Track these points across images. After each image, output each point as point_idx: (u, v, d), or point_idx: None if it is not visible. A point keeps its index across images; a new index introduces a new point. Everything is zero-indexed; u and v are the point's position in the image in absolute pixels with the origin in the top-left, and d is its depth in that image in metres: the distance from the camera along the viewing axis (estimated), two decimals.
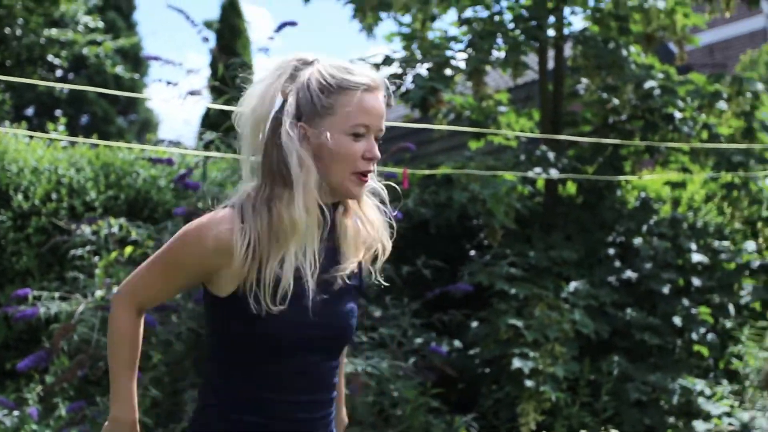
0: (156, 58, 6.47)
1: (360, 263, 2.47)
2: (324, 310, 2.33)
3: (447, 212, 7.89)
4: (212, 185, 6.71)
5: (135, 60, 26.14)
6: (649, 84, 7.87)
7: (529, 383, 6.94)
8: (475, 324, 7.76)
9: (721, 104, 8.11)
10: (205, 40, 6.96)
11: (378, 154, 2.34)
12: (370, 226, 2.45)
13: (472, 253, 8.50)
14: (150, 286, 2.37)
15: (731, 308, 8.56)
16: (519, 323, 7.14)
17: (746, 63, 15.53)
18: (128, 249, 6.47)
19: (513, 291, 7.32)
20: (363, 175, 2.33)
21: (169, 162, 6.62)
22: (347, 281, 2.39)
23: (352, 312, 2.41)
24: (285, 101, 2.32)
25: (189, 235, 2.32)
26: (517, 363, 6.96)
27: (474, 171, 7.12)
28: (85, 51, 16.92)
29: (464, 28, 7.99)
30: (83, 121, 26.61)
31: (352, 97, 2.30)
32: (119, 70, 19.20)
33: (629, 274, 8.17)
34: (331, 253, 2.39)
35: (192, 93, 6.43)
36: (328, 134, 2.29)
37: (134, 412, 2.39)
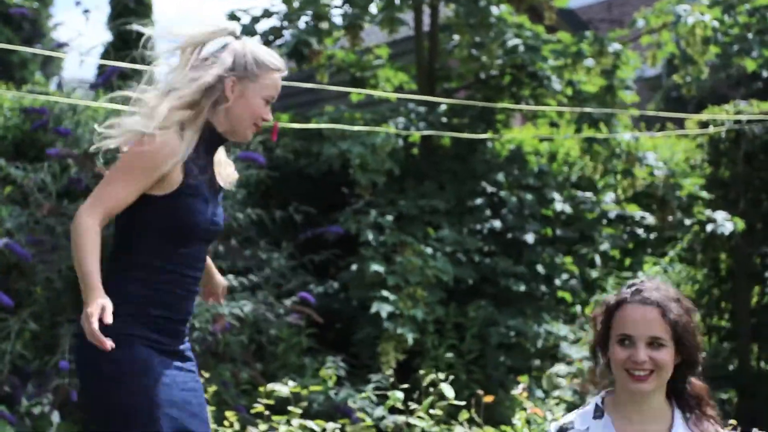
0: None
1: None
2: (213, 210, 3.22)
3: (316, 163, 8.26)
4: (89, 129, 6.93)
5: None
6: (512, 42, 8.27)
7: (387, 325, 7.38)
8: (354, 267, 8.14)
9: (589, 61, 8.56)
10: None
11: (270, 117, 3.23)
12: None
13: (352, 200, 8.85)
14: (113, 196, 3.06)
15: (597, 259, 9.10)
16: (381, 269, 7.56)
17: (640, 16, 16.05)
18: (7, 188, 6.68)
19: (379, 239, 7.75)
20: (257, 127, 3.22)
21: (41, 112, 6.80)
22: (220, 194, 3.29)
23: (222, 215, 3.30)
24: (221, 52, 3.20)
25: (147, 152, 3.07)
26: (375, 306, 7.40)
27: (343, 127, 7.50)
28: None
29: None
30: None
31: (272, 74, 3.19)
32: None
33: (497, 223, 8.62)
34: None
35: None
36: (245, 91, 3.17)
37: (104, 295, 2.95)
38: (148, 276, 3.12)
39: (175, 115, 3.11)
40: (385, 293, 7.49)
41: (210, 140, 3.21)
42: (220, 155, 3.33)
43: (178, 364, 3.17)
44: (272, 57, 3.21)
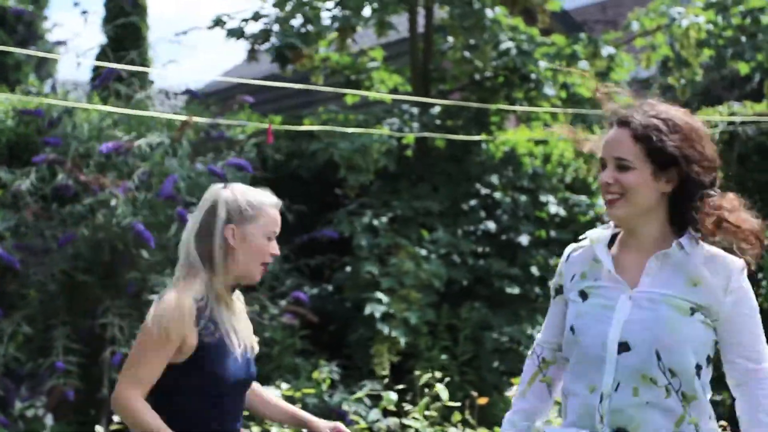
0: None
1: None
2: (238, 359, 3.20)
3: (308, 164, 8.27)
4: (81, 134, 6.94)
5: None
6: (506, 45, 8.29)
7: (381, 327, 7.39)
8: (348, 269, 8.15)
9: (583, 64, 8.57)
10: None
11: (278, 252, 3.28)
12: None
13: (346, 201, 8.86)
14: (149, 373, 3.11)
15: None
16: (375, 270, 7.57)
17: (633, 17, 16.05)
18: None
19: (372, 242, 7.76)
20: (266, 266, 3.24)
21: (36, 114, 6.82)
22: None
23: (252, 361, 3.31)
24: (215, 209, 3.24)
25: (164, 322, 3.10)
26: (369, 308, 7.41)
27: (335, 128, 7.51)
28: None
29: None
30: None
31: (267, 211, 3.22)
32: (12, 1, 18.85)
33: (491, 225, 8.63)
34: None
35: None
36: (247, 233, 3.18)
37: None
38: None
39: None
40: (378, 295, 7.50)
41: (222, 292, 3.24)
42: (239, 306, 3.32)
43: None
44: (263, 195, 3.26)
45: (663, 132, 2.63)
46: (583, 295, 2.75)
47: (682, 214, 2.68)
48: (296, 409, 3.52)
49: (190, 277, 3.16)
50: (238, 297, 3.31)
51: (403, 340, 7.44)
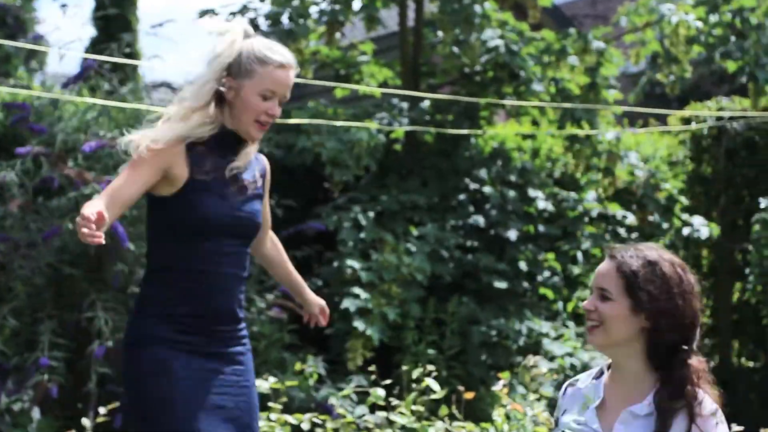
0: None
1: (262, 179, 3.37)
2: (233, 205, 3.21)
3: (295, 158, 8.26)
4: (68, 127, 6.92)
5: None
6: (494, 42, 8.30)
7: (357, 322, 7.42)
8: (335, 264, 8.15)
9: (572, 59, 8.58)
10: None
11: (277, 113, 3.22)
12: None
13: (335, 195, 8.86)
14: (115, 185, 3.16)
15: (579, 255, 9.12)
16: (357, 265, 7.59)
17: (623, 13, 16.10)
18: None
19: (356, 237, 7.79)
20: (262, 125, 3.21)
21: (22, 107, 6.79)
22: (253, 190, 3.28)
23: (256, 211, 3.29)
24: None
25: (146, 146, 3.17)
26: (346, 303, 7.43)
27: (320, 121, 7.51)
28: None
29: None
30: None
31: (268, 69, 3.16)
32: None
33: (479, 219, 8.63)
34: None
35: None
36: (243, 88, 3.17)
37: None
38: (167, 276, 3.20)
39: (179, 117, 3.22)
40: (356, 290, 7.51)
41: (224, 139, 3.24)
42: (248, 155, 3.31)
43: (213, 366, 3.17)
44: (271, 51, 3.20)
45: (644, 276, 2.73)
46: None
47: (660, 361, 2.76)
48: (299, 279, 3.58)
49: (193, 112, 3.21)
50: (253, 146, 3.30)
51: (377, 337, 7.45)
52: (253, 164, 3.34)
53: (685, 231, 8.61)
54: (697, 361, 2.74)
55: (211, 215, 3.18)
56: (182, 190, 3.17)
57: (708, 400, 2.74)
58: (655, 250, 2.79)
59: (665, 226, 8.89)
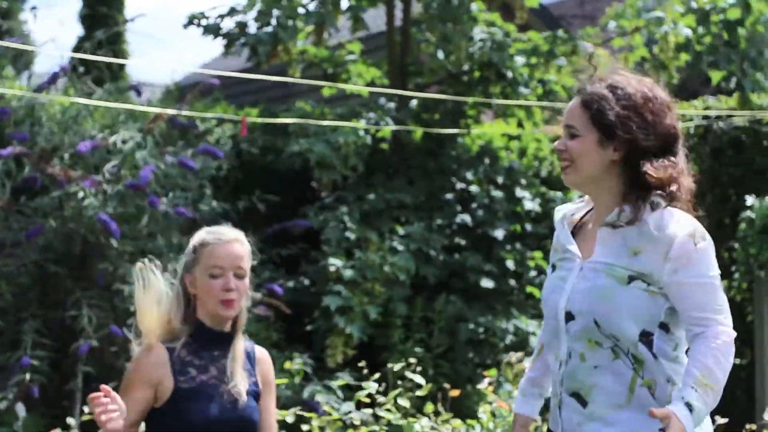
0: None
1: (256, 377, 3.27)
2: (226, 406, 3.17)
3: (283, 161, 8.28)
4: (52, 127, 6.92)
5: None
6: (478, 39, 8.32)
7: (338, 320, 7.43)
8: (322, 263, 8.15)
9: (561, 60, 8.60)
10: None
11: (233, 286, 3.16)
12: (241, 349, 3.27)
13: (322, 195, 8.86)
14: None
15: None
16: (339, 263, 7.60)
17: (612, 14, 16.13)
18: None
19: (340, 236, 7.81)
20: (227, 302, 3.15)
21: (3, 112, 6.79)
22: (248, 386, 3.20)
23: (252, 408, 3.23)
24: None
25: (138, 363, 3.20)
26: (327, 300, 7.45)
27: (307, 121, 7.52)
28: None
29: None
30: None
31: (208, 249, 3.18)
32: None
33: (466, 218, 8.65)
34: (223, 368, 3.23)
35: None
36: (196, 277, 3.18)
37: None
38: None
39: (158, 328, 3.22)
40: (337, 288, 7.53)
41: (203, 338, 3.21)
42: (238, 350, 3.24)
43: None
44: (209, 233, 3.23)
45: (607, 100, 2.65)
46: (553, 267, 2.84)
47: (631, 180, 2.68)
48: None
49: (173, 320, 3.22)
50: (240, 340, 3.24)
51: (357, 335, 7.46)
52: (246, 359, 3.27)
53: None
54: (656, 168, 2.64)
55: (198, 424, 3.15)
56: (168, 401, 3.15)
57: (684, 217, 2.67)
58: (622, 75, 2.71)
59: None
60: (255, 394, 3.24)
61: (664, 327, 2.69)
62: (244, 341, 3.27)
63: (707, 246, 2.67)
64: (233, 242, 3.20)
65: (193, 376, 3.16)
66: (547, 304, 2.79)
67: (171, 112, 7.18)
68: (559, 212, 2.89)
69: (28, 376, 6.27)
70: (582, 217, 2.84)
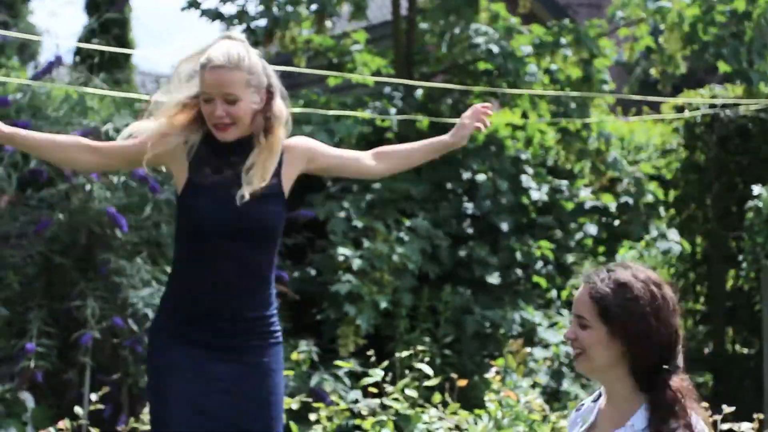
0: None
1: (279, 178, 3.32)
2: (229, 207, 3.21)
3: None
4: (57, 117, 6.93)
5: None
6: (482, 33, 8.31)
7: (348, 308, 7.43)
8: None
9: (567, 50, 8.58)
10: None
11: (219, 113, 3.19)
12: (268, 155, 3.29)
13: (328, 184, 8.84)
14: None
15: (573, 245, 9.13)
16: (348, 253, 7.60)
17: (618, 4, 16.11)
18: None
19: (346, 227, 7.81)
20: (218, 127, 3.22)
21: (4, 102, 6.79)
22: (265, 190, 3.24)
23: (268, 212, 3.27)
24: None
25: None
26: (336, 287, 7.48)
27: (308, 110, 7.52)
28: None
29: None
30: None
31: (202, 75, 3.21)
32: None
33: (472, 209, 8.64)
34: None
35: None
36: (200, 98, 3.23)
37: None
38: (176, 274, 3.35)
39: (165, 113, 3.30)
40: (346, 276, 7.53)
41: (216, 144, 3.28)
42: (260, 156, 3.30)
43: (215, 365, 3.22)
44: (205, 55, 3.24)
45: (611, 300, 2.70)
46: None
47: (645, 383, 2.73)
48: (434, 144, 3.56)
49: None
50: (268, 145, 3.28)
51: (364, 326, 7.47)
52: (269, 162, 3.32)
53: (661, 246, 8.68)
54: (679, 380, 2.71)
55: (206, 219, 3.23)
56: (183, 193, 3.27)
57: (700, 423, 2.71)
58: (628, 270, 2.75)
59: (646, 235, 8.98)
60: (275, 196, 3.30)
61: None
62: (282, 142, 3.31)
63: None
64: (219, 68, 3.20)
65: (207, 173, 3.25)
66: None
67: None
68: (571, 414, 2.92)
69: (32, 363, 6.28)
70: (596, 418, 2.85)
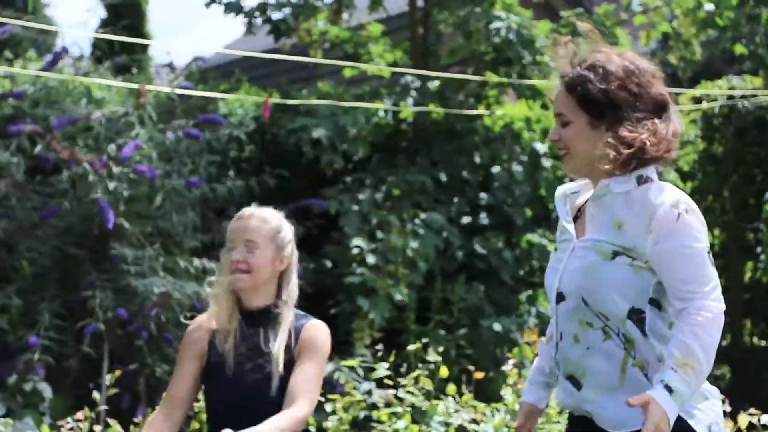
0: None
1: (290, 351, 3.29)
2: (243, 383, 3.27)
3: (293, 139, 8.27)
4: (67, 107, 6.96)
5: None
6: (499, 23, 8.29)
7: (362, 303, 7.43)
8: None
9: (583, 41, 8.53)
10: None
11: (238, 257, 3.28)
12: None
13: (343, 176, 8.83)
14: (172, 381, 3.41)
15: None
16: (363, 245, 7.60)
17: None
18: None
19: (360, 219, 7.81)
20: (235, 272, 3.29)
21: (18, 96, 6.81)
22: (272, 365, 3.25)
23: (266, 387, 3.26)
24: None
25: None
26: (350, 279, 7.50)
27: (323, 102, 7.52)
28: None
29: None
30: None
31: (227, 228, 3.36)
32: None
33: (488, 200, 8.63)
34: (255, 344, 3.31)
35: None
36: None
37: None
38: None
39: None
40: (360, 270, 7.53)
41: (244, 317, 3.33)
42: (277, 329, 3.29)
43: None
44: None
45: (590, 80, 2.61)
46: (555, 249, 2.80)
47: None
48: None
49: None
50: (283, 318, 3.29)
51: (378, 320, 7.47)
52: (289, 336, 3.29)
53: None
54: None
55: (214, 397, 3.32)
56: (204, 371, 3.36)
57: (670, 189, 2.60)
58: (602, 53, 2.66)
59: None
60: (281, 369, 3.25)
61: (656, 304, 2.61)
62: (296, 319, 3.28)
63: (692, 216, 2.56)
64: (247, 218, 3.33)
65: (219, 351, 3.29)
66: (546, 286, 2.75)
67: (165, 89, 7.21)
68: (560, 190, 2.83)
69: (36, 356, 6.33)
70: (586, 201, 2.76)
